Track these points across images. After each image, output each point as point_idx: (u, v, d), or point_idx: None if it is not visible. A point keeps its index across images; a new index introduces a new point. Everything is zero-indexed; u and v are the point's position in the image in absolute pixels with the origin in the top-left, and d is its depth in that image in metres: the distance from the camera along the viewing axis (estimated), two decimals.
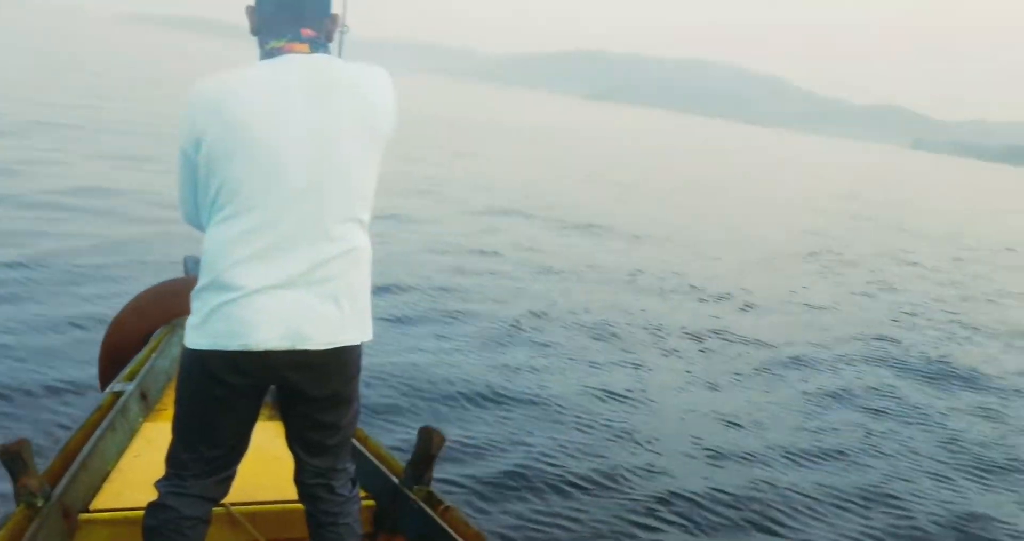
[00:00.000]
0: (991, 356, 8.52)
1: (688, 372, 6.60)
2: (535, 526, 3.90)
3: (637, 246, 12.53)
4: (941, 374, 7.45)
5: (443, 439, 2.83)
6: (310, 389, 2.12)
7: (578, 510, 4.10)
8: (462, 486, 4.10)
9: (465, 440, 4.65)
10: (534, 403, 5.40)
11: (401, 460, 2.97)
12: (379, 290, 7.30)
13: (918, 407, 6.40)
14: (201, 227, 2.10)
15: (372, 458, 3.01)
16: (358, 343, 2.10)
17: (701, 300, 9.33)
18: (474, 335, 6.67)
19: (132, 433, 3.09)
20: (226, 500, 2.62)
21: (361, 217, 2.07)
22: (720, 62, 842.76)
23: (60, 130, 14.94)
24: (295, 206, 1.98)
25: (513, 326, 7.08)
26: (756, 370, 6.85)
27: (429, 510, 2.72)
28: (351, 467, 2.33)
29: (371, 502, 2.89)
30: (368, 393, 5.14)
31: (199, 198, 2.06)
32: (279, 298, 1.99)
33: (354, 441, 3.06)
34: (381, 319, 6.46)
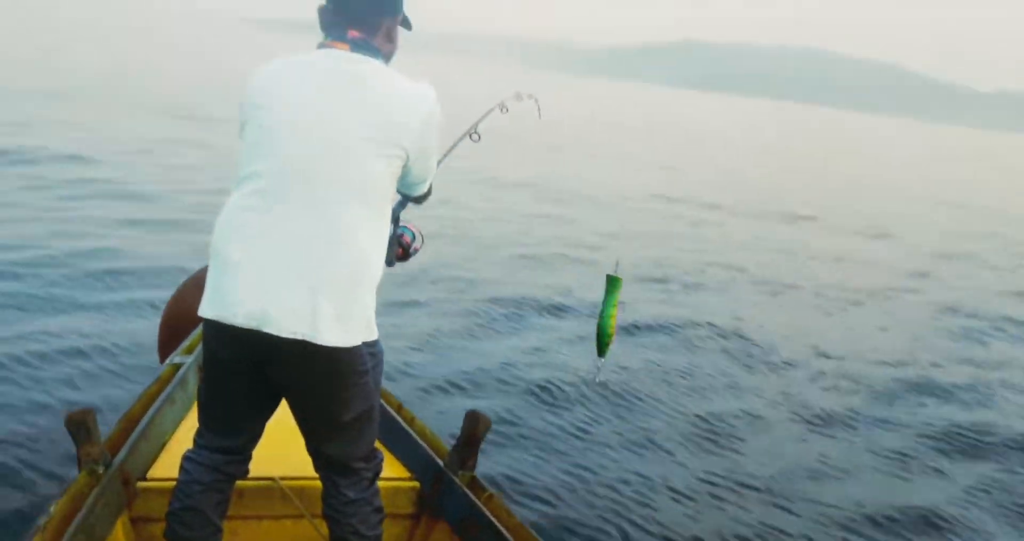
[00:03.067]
0: None
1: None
2: (576, 521, 3.84)
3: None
4: None
5: (489, 424, 2.84)
6: (285, 378, 2.13)
7: (626, 510, 4.02)
8: (506, 474, 4.09)
9: (525, 428, 4.67)
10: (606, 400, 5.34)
11: (447, 443, 2.98)
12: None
13: None
14: None
15: (417, 439, 3.02)
16: (333, 346, 2.02)
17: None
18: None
19: (189, 404, 3.18)
20: (276, 474, 2.70)
21: (364, 215, 2.04)
22: (825, 49, 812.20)
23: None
24: (288, 186, 2.01)
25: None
26: None
27: (472, 496, 2.72)
28: (366, 468, 2.30)
29: (415, 483, 2.92)
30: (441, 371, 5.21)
31: None
32: (259, 273, 2.00)
33: (400, 421, 3.11)
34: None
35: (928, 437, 5.44)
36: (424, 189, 2.35)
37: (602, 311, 2.44)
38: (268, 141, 2.04)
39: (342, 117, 2.01)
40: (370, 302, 2.10)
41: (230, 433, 2.26)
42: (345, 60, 2.09)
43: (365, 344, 2.11)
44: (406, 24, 2.28)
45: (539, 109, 3.27)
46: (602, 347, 2.46)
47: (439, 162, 2.93)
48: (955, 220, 19.18)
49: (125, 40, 56.02)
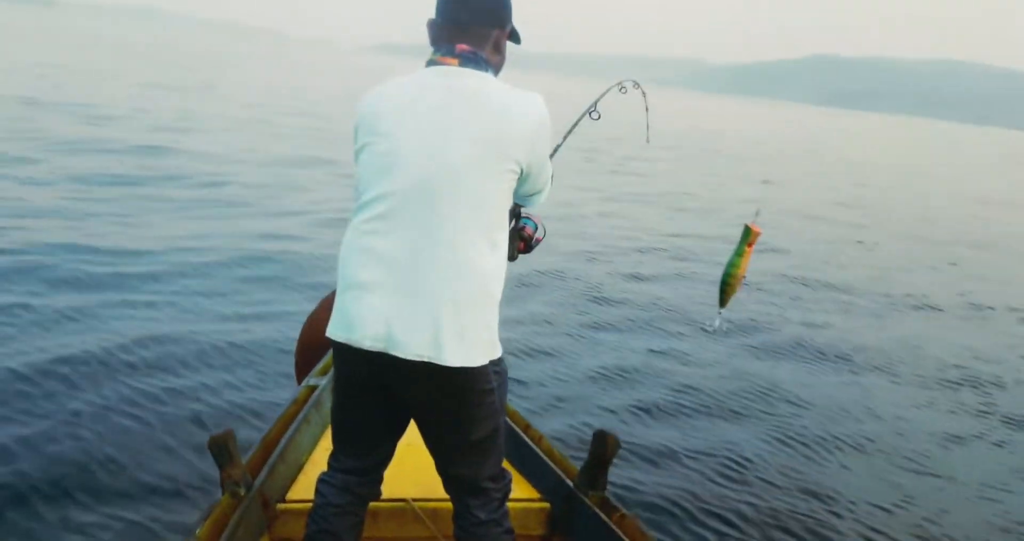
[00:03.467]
0: None
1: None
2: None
3: None
4: None
5: (618, 443, 2.80)
6: (413, 399, 2.14)
7: (765, 527, 3.90)
8: (639, 492, 4.01)
9: (651, 445, 4.57)
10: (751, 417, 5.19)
11: (576, 462, 2.94)
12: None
13: None
14: None
15: (546, 459, 3.01)
16: (458, 366, 2.02)
17: None
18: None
19: (325, 425, 3.23)
20: (409, 495, 2.72)
21: (483, 234, 2.04)
22: (977, 63, 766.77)
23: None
24: (410, 204, 2.02)
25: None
26: None
27: (604, 517, 2.68)
28: (495, 488, 2.29)
29: (545, 504, 2.89)
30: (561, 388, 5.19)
31: None
32: (383, 296, 2.03)
33: (528, 441, 3.09)
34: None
35: None
36: (541, 201, 2.34)
37: (730, 259, 2.35)
38: (385, 166, 2.05)
39: (456, 137, 2.01)
40: (493, 321, 2.10)
41: (361, 454, 2.29)
42: (455, 77, 2.08)
43: (490, 362, 2.11)
44: (515, 38, 2.26)
45: (645, 97, 3.24)
46: (722, 296, 2.37)
47: (558, 147, 2.91)
48: None
49: (265, 68, 58.93)
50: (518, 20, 2.27)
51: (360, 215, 2.09)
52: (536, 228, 2.62)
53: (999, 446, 5.40)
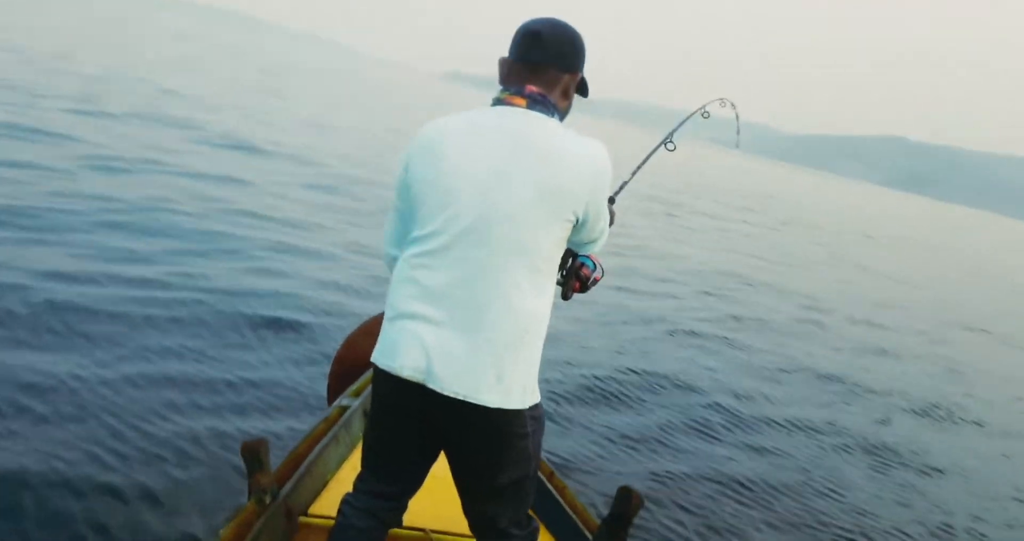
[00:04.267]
0: None
1: None
2: None
3: None
4: None
5: (642, 501, 2.78)
6: (446, 433, 2.14)
7: None
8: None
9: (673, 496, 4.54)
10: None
11: (596, 515, 2.96)
12: None
13: None
14: (392, 265, 2.19)
15: (567, 509, 3.00)
16: (494, 407, 2.03)
17: None
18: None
19: (353, 446, 3.26)
20: (428, 526, 2.71)
21: (530, 279, 2.04)
22: None
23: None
24: (462, 243, 2.03)
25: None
26: None
27: None
28: (519, 535, 2.27)
29: None
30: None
31: (408, 230, 2.15)
32: (427, 329, 2.04)
33: (551, 489, 3.08)
34: None
35: None
36: (598, 248, 2.33)
37: None
38: (442, 204, 2.05)
39: (514, 181, 2.01)
40: (533, 366, 2.10)
41: (390, 479, 2.29)
42: (520, 119, 2.08)
43: (528, 407, 2.10)
44: (583, 89, 2.26)
45: (737, 118, 3.20)
46: None
47: (626, 183, 2.88)
48: None
49: (347, 86, 59.90)
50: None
51: (413, 248, 2.10)
52: (594, 268, 2.62)
53: None
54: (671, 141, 3.03)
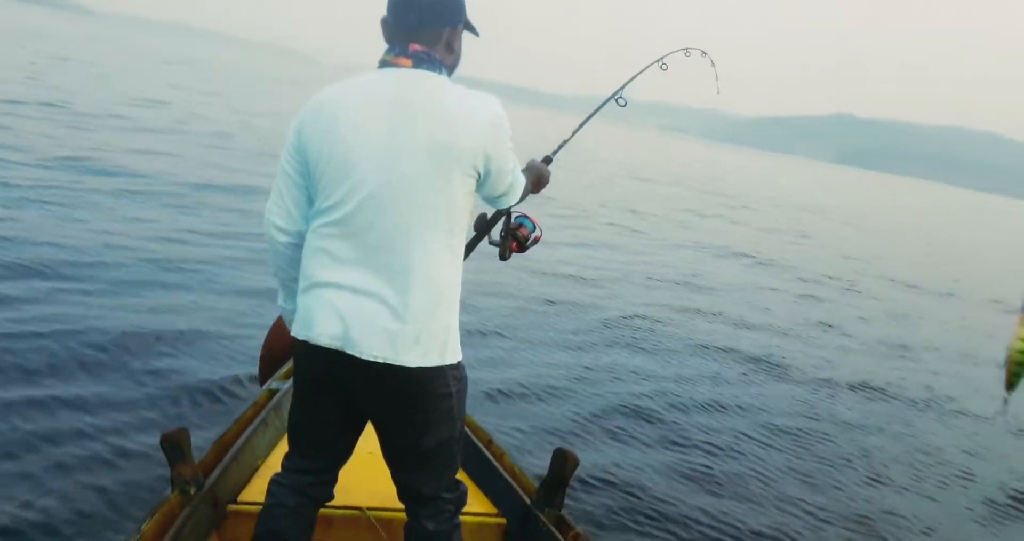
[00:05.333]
0: None
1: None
2: None
3: None
4: None
5: (577, 461, 2.79)
6: (369, 401, 2.14)
7: None
8: (593, 512, 4.01)
9: (611, 467, 4.57)
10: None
11: (535, 480, 2.94)
12: None
13: None
14: (280, 231, 2.15)
15: (506, 476, 3.01)
16: (414, 366, 2.03)
17: None
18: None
19: (283, 429, 3.14)
20: (365, 504, 2.69)
21: (439, 240, 2.04)
22: (986, 131, 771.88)
23: None
24: (366, 211, 2.02)
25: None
26: None
27: (558, 534, 2.68)
28: (447, 499, 2.26)
29: (502, 520, 2.90)
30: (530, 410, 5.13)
31: (298, 198, 2.13)
32: (341, 297, 2.04)
33: (489, 456, 3.07)
34: None
35: None
36: (511, 202, 2.30)
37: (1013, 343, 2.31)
38: (340, 175, 2.04)
39: (408, 145, 2.00)
40: (451, 324, 2.09)
41: (316, 454, 2.27)
42: (408, 80, 2.06)
43: (448, 367, 2.10)
44: (472, 30, 2.24)
45: (715, 68, 3.14)
46: (1014, 379, 2.31)
47: (575, 132, 2.86)
48: None
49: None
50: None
51: (319, 219, 2.09)
52: (533, 228, 2.59)
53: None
54: (621, 96, 2.96)
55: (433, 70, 2.09)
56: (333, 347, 2.03)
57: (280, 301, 2.32)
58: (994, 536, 4.84)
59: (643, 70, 3.10)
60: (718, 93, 3.56)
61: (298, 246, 2.17)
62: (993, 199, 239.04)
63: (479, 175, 2.08)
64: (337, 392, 2.14)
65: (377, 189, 2.00)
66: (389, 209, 2.00)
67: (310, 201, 2.13)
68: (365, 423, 2.25)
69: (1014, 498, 5.39)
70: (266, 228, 2.20)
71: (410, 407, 2.10)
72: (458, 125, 2.02)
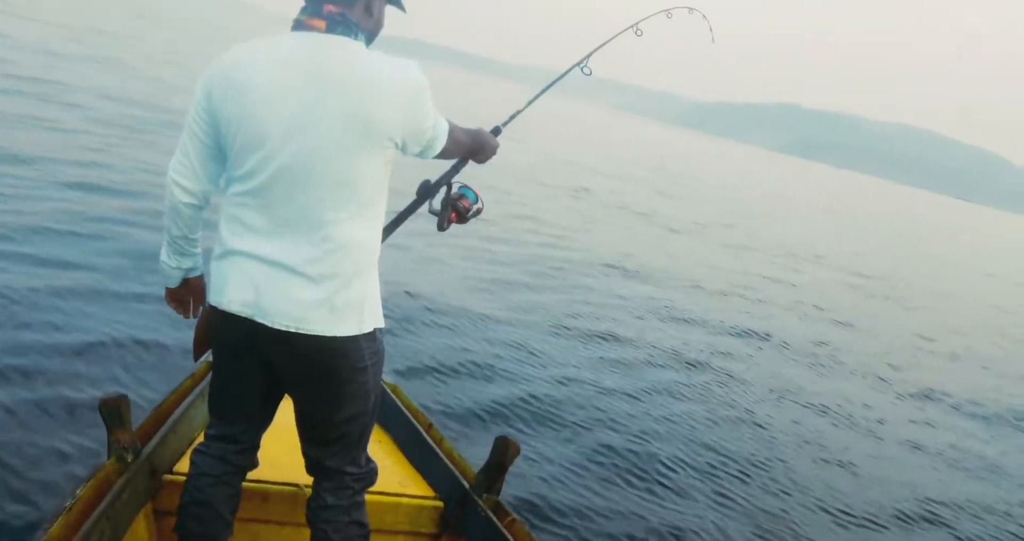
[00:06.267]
0: None
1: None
2: None
3: None
4: None
5: (518, 449, 2.79)
6: (284, 371, 2.12)
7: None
8: (531, 502, 4.06)
9: (550, 456, 4.61)
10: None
11: (475, 466, 2.94)
12: None
13: None
14: (183, 190, 2.07)
15: (445, 460, 3.00)
16: (330, 335, 2.00)
17: None
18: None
19: None
20: (302, 481, 2.70)
21: (353, 209, 1.99)
22: (928, 131, 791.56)
23: None
24: (280, 181, 1.97)
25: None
26: None
27: (496, 520, 2.68)
28: (352, 475, 2.25)
29: (439, 503, 2.89)
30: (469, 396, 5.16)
31: (204, 158, 2.05)
32: (254, 265, 2.01)
33: (428, 440, 3.06)
34: None
35: None
36: (435, 152, 2.21)
37: None
38: (252, 142, 1.96)
39: (321, 115, 1.92)
40: (369, 296, 2.06)
41: (235, 420, 2.26)
42: (321, 45, 1.96)
43: (363, 338, 2.06)
44: (397, 3, 2.18)
45: (707, 20, 3.08)
46: None
47: (537, 97, 2.81)
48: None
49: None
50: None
51: (234, 187, 2.04)
52: (475, 199, 2.55)
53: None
54: (586, 65, 2.89)
55: (348, 34, 1.99)
56: (244, 315, 2.01)
57: (162, 256, 2.23)
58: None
59: (616, 35, 2.99)
60: (712, 41, 3.39)
61: (199, 207, 2.11)
62: (925, 195, 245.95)
63: (397, 143, 2.02)
64: (253, 359, 2.12)
65: (290, 160, 1.94)
66: (302, 180, 1.95)
67: (216, 161, 2.06)
68: (283, 391, 2.23)
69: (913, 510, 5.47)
70: (168, 185, 2.11)
71: (323, 378, 2.07)
72: (374, 97, 1.94)
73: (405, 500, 2.82)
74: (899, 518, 5.09)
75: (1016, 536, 5.31)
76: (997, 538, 5.20)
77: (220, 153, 2.04)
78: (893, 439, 6.73)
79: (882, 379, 8.69)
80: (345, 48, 1.98)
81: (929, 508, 5.36)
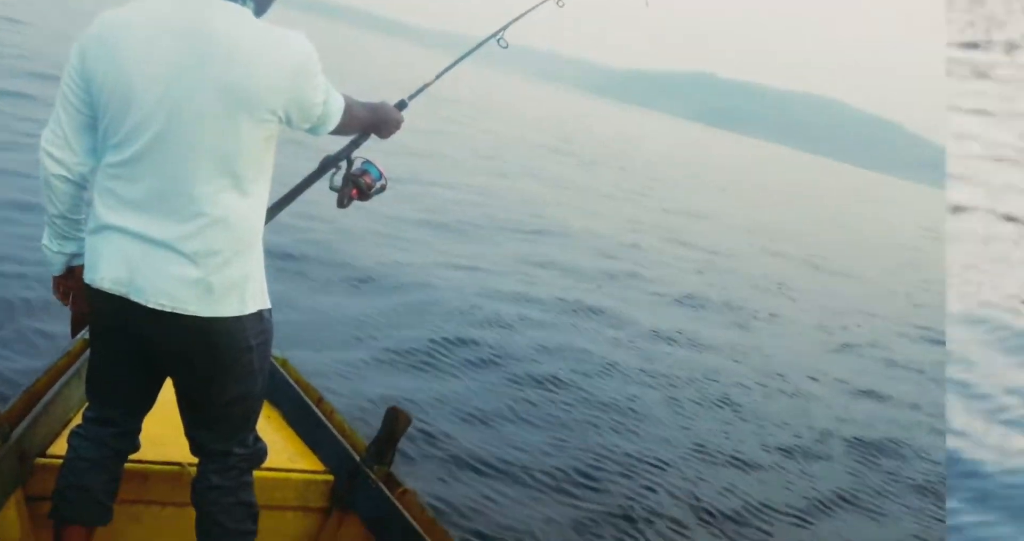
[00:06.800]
0: None
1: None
2: (492, 517, 3.85)
3: None
4: None
5: (409, 420, 2.78)
6: (161, 352, 2.05)
7: (539, 506, 4.06)
8: (424, 472, 4.08)
9: (441, 426, 4.66)
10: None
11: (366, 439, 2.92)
12: None
13: None
14: (55, 162, 1.99)
15: (335, 432, 2.96)
16: (210, 316, 1.96)
17: None
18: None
19: None
20: (185, 460, 2.64)
21: (231, 184, 1.92)
22: (837, 100, 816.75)
23: None
24: (153, 152, 1.89)
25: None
26: None
27: (387, 491, 2.68)
28: (239, 455, 2.20)
29: (329, 477, 2.85)
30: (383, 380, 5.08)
31: (78, 128, 1.97)
32: (128, 241, 1.93)
33: (318, 414, 3.03)
34: None
35: None
36: (328, 129, 2.16)
37: None
38: (124, 110, 1.88)
39: (198, 85, 1.85)
40: (252, 272, 2.02)
41: (113, 403, 2.19)
42: (203, 10, 1.88)
43: (248, 317, 2.01)
44: None
45: None
46: None
47: (448, 69, 2.76)
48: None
49: None
50: None
51: (107, 157, 1.95)
52: (379, 176, 2.49)
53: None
54: (503, 37, 2.79)
55: (232, 2, 1.92)
56: (117, 293, 1.95)
57: (44, 239, 2.13)
58: None
59: (536, 6, 2.88)
60: (647, 5, 3.34)
61: (72, 182, 2.01)
62: (825, 162, 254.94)
63: (280, 118, 1.94)
64: (129, 340, 2.06)
65: (164, 129, 1.87)
66: (175, 152, 1.88)
67: (91, 131, 1.97)
68: (165, 374, 2.17)
69: None
70: (40, 157, 2.01)
71: (203, 360, 2.03)
72: (253, 69, 1.87)
73: (295, 475, 2.79)
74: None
75: None
76: None
77: (95, 123, 1.95)
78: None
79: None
80: (230, 14, 1.89)
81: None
